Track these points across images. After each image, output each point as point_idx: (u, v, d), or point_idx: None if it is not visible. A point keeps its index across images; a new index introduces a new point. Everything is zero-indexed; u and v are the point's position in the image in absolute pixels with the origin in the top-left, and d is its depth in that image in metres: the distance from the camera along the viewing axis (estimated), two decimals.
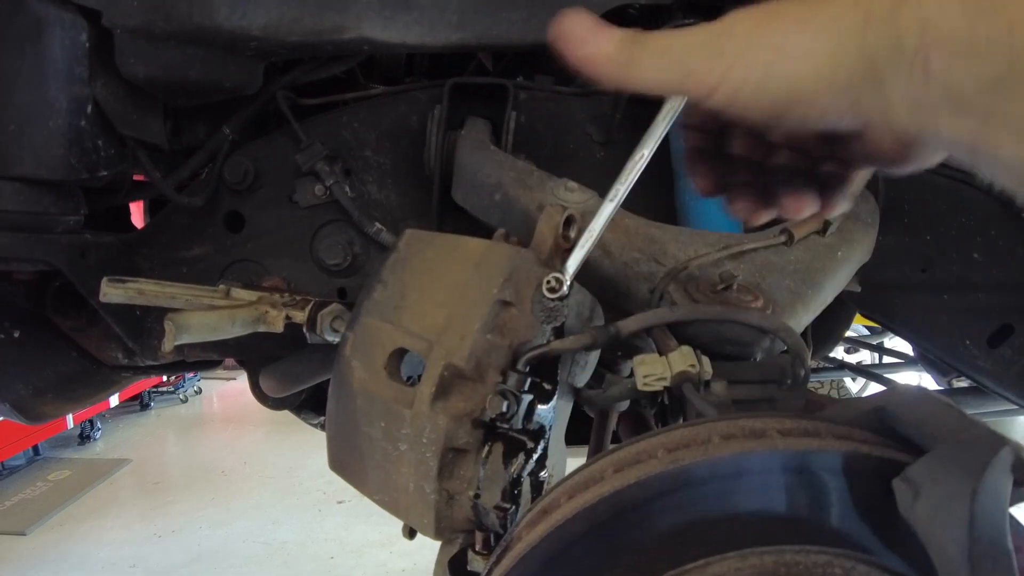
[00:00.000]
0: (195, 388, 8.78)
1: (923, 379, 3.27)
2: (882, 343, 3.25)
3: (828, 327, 1.60)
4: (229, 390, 8.86)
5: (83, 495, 5.83)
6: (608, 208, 0.75)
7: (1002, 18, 0.40)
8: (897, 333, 1.75)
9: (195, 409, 8.51)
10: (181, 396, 8.48)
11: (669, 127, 0.71)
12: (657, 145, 0.75)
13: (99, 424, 7.18)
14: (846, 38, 0.46)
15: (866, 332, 3.51)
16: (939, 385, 1.99)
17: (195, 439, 7.43)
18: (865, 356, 4.87)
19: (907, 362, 2.79)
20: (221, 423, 7.97)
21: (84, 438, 6.96)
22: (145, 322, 1.42)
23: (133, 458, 6.64)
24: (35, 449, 6.51)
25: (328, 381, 1.51)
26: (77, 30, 1.13)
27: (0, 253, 1.16)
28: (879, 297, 1.51)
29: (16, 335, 1.39)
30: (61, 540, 5.10)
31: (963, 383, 1.96)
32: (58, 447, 6.79)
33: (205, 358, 1.46)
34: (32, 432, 5.97)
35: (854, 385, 5.23)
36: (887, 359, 3.30)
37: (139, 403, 8.11)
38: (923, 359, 1.94)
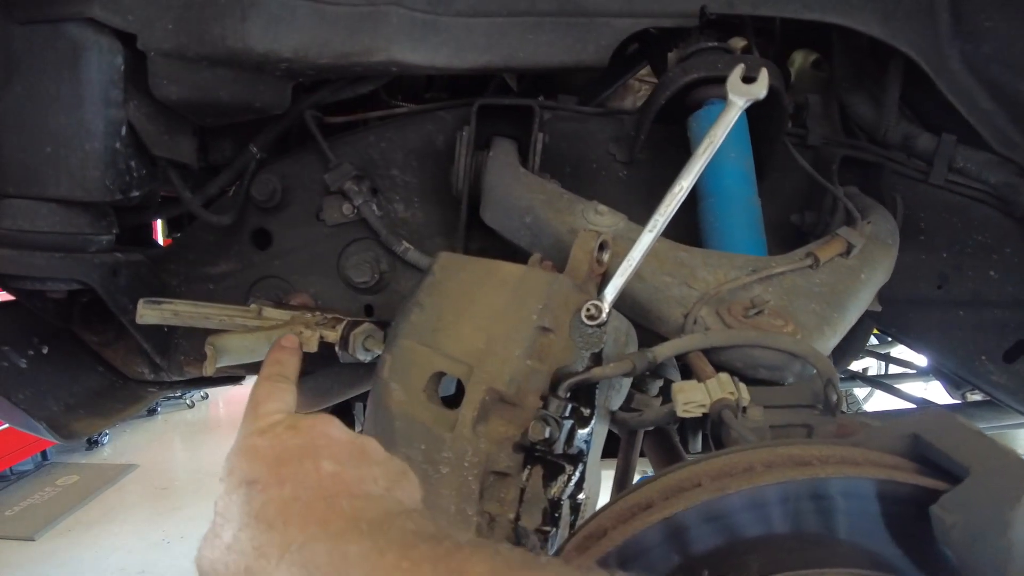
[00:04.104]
0: (202, 393, 8.78)
1: (928, 388, 3.28)
2: (888, 353, 3.26)
3: (846, 342, 1.61)
4: (235, 395, 8.84)
5: (91, 500, 5.85)
6: (647, 239, 0.77)
7: None
8: (912, 348, 1.77)
9: (202, 414, 8.53)
10: (188, 401, 8.49)
11: (709, 160, 0.73)
12: (696, 178, 0.76)
13: (106, 429, 7.19)
14: None
15: (873, 341, 3.52)
16: (952, 398, 2.01)
17: (202, 444, 7.44)
18: (869, 363, 4.87)
19: (917, 372, 2.80)
20: (227, 428, 7.97)
21: (92, 443, 6.97)
22: (171, 338, 1.44)
23: (140, 463, 6.66)
24: (43, 454, 6.53)
25: (354, 397, 1.53)
26: (113, 54, 1.15)
27: (36, 273, 1.18)
28: (895, 313, 1.53)
29: (45, 351, 1.40)
30: (69, 546, 5.11)
31: (977, 396, 1.97)
32: (66, 452, 6.80)
33: (231, 374, 1.47)
34: (39, 437, 5.97)
35: (860, 392, 5.23)
36: (893, 368, 3.31)
37: (145, 408, 8.11)
38: (937, 372, 1.95)
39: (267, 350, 1.06)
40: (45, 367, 1.38)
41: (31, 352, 1.38)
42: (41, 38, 1.13)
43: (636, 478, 1.54)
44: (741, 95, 0.75)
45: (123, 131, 1.19)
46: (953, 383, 1.89)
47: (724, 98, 1.20)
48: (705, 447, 1.90)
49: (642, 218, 1.14)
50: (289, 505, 0.56)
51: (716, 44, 1.28)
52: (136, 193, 1.24)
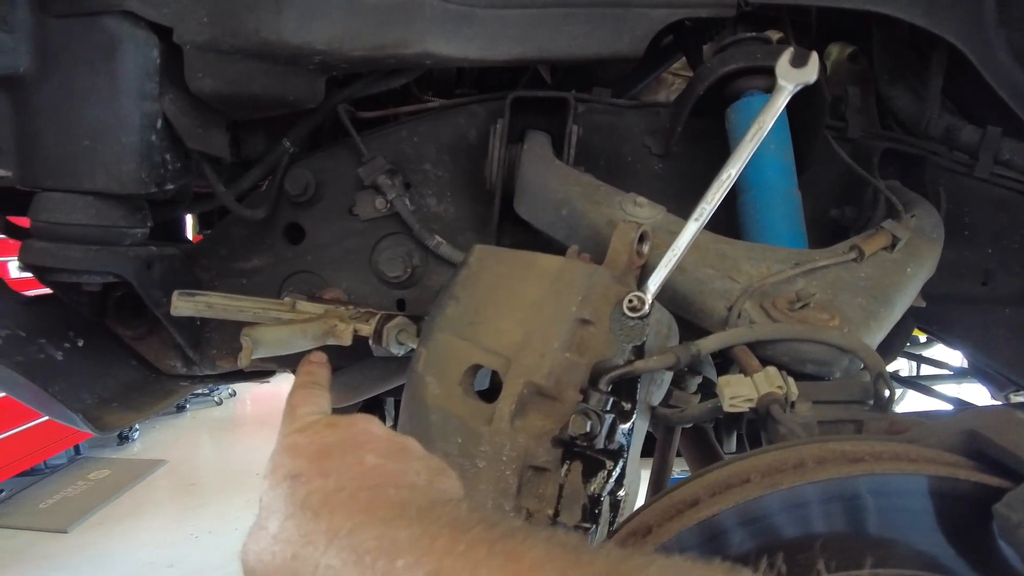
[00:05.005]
0: (229, 390, 8.87)
1: (961, 390, 3.20)
2: (920, 354, 3.19)
3: (888, 339, 1.57)
4: (262, 393, 8.93)
5: (122, 494, 5.93)
6: (693, 227, 0.75)
7: None
8: (954, 347, 1.72)
9: (229, 411, 8.61)
10: (216, 398, 8.58)
11: (758, 146, 0.71)
12: (744, 165, 0.74)
13: (137, 425, 7.29)
14: None
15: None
16: (995, 399, 1.96)
17: (229, 441, 7.52)
18: (900, 364, 4.77)
19: (953, 373, 2.73)
20: (254, 425, 8.05)
21: (123, 438, 7.07)
22: (203, 332, 1.44)
23: (169, 459, 6.74)
24: (76, 449, 6.63)
25: (385, 392, 1.53)
26: (149, 47, 1.15)
27: (73, 266, 1.18)
28: (938, 310, 1.49)
29: (80, 344, 1.41)
30: (100, 539, 5.18)
31: (1021, 398, 1.92)
32: (98, 447, 6.90)
33: (263, 368, 1.47)
34: (73, 432, 6.08)
35: None
36: (925, 369, 3.24)
37: (175, 404, 8.23)
38: (979, 372, 1.90)
39: (301, 343, 1.06)
40: (80, 360, 1.39)
41: (67, 345, 1.38)
42: (78, 31, 1.13)
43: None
44: (790, 80, 0.73)
45: (158, 124, 1.19)
46: (996, 384, 1.84)
47: (763, 89, 1.19)
48: (740, 447, 1.88)
49: (678, 211, 1.12)
50: (334, 495, 0.55)
51: (754, 35, 1.25)
52: (171, 186, 1.24)
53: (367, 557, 0.47)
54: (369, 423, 0.67)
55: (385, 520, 0.50)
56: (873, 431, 0.76)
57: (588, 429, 0.74)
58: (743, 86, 1.19)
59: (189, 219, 2.00)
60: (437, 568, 0.44)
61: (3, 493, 5.69)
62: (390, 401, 2.18)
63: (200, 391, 8.42)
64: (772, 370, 0.75)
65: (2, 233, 1.30)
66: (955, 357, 2.92)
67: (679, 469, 1.63)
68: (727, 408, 0.75)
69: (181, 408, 8.27)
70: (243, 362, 0.97)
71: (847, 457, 0.66)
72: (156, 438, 7.44)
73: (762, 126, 0.72)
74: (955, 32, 1.23)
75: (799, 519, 0.63)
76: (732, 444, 1.80)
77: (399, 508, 0.52)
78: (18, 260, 1.21)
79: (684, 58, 1.62)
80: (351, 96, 1.35)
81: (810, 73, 0.73)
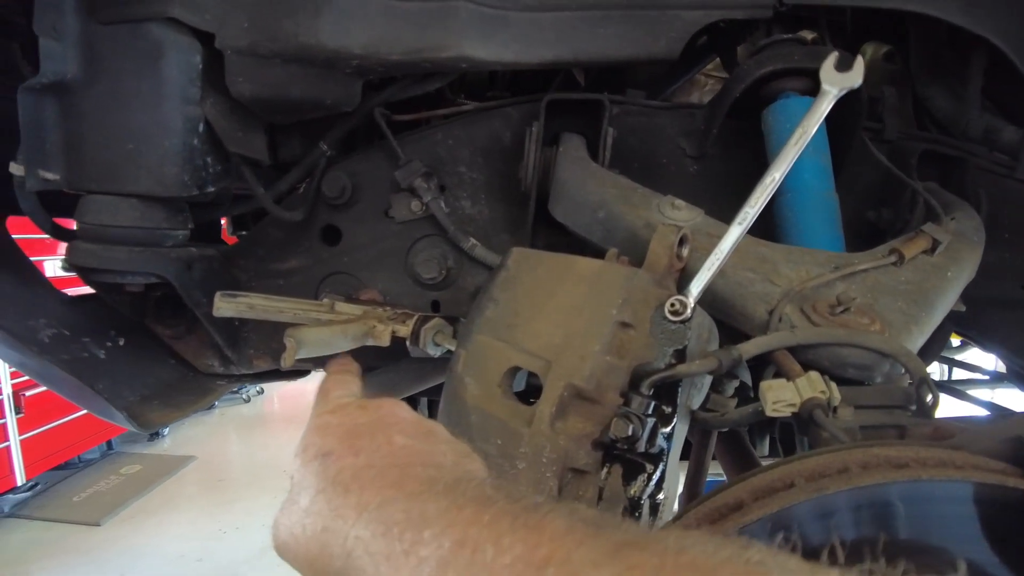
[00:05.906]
0: (257, 388, 8.98)
1: (995, 394, 3.15)
2: (952, 358, 3.14)
3: (926, 345, 1.55)
4: (289, 391, 9.04)
5: (152, 489, 6.04)
6: (736, 231, 0.75)
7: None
8: (991, 351, 1.70)
9: (257, 408, 8.73)
10: (244, 396, 8.70)
11: (802, 150, 0.71)
12: (789, 168, 0.74)
13: (179, 420, 7.39)
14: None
15: None
16: None
17: (257, 438, 7.62)
18: (932, 367, 4.69)
19: (989, 378, 2.68)
20: (282, 422, 8.15)
21: (153, 434, 7.21)
22: (241, 332, 1.46)
23: (198, 455, 6.85)
24: (109, 444, 6.78)
25: (419, 392, 1.54)
26: (192, 52, 1.18)
27: (117, 267, 1.21)
28: (977, 314, 1.46)
29: (121, 343, 1.44)
30: (132, 532, 5.28)
31: None
32: (129, 442, 7.05)
33: (300, 367, 1.49)
34: (106, 427, 6.20)
35: None
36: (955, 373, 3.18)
37: (215, 400, 8.33)
38: (1016, 377, 1.87)
39: (342, 343, 1.07)
40: (122, 358, 1.42)
41: (109, 344, 1.42)
42: (124, 38, 1.16)
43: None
44: (835, 84, 0.73)
45: (200, 128, 1.21)
46: None
47: (800, 90, 1.18)
48: (773, 451, 1.86)
49: (713, 213, 1.12)
50: (364, 471, 0.57)
51: (790, 36, 1.25)
52: (211, 189, 1.26)
53: (395, 528, 0.49)
54: (397, 407, 0.69)
55: (413, 495, 0.52)
56: (917, 437, 0.76)
57: (630, 432, 0.74)
58: (779, 88, 1.19)
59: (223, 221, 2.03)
60: (462, 538, 0.45)
61: (38, 487, 5.82)
62: (423, 401, 2.20)
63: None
64: (815, 375, 0.75)
65: (49, 235, 1.33)
66: (988, 361, 2.87)
67: (711, 473, 1.62)
68: (770, 413, 0.74)
69: (210, 405, 8.38)
70: (287, 362, 0.99)
71: (892, 462, 0.65)
72: (186, 434, 7.56)
73: (806, 130, 0.72)
74: (995, 31, 1.21)
75: (842, 525, 0.63)
76: (765, 448, 1.79)
77: (427, 484, 0.53)
78: (64, 261, 1.24)
79: (717, 59, 1.61)
80: (387, 99, 1.36)
81: (855, 77, 0.73)
